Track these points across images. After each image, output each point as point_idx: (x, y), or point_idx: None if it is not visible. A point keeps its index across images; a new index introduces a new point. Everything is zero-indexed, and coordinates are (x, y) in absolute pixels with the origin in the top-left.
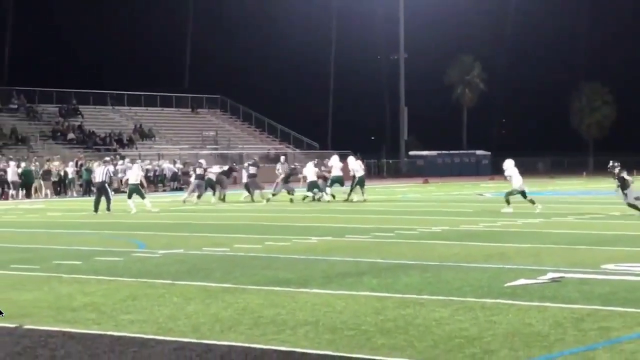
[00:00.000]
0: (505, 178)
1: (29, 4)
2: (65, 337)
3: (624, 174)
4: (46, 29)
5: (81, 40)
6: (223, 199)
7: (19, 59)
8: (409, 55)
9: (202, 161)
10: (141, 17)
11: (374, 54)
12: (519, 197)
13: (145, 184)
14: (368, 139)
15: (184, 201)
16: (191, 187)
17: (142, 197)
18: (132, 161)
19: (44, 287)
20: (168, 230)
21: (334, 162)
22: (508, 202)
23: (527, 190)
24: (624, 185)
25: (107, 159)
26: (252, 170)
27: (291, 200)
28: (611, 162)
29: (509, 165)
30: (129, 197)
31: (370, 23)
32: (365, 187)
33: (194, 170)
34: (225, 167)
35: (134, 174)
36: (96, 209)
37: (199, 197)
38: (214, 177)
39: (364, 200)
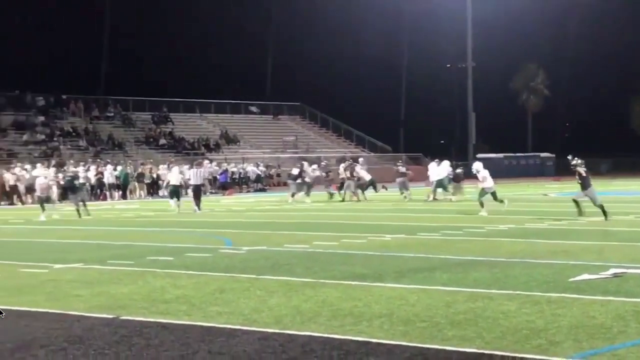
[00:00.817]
0: (479, 180)
1: (124, 19)
2: (158, 327)
3: (583, 171)
4: (139, 43)
5: (171, 53)
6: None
7: (114, 71)
8: (477, 64)
9: (305, 163)
10: (226, 31)
11: (443, 62)
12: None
13: (185, 187)
14: (438, 143)
15: (295, 201)
16: (291, 187)
17: (178, 197)
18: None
19: (139, 281)
20: (252, 229)
21: (444, 166)
22: (482, 204)
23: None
24: (584, 182)
25: (206, 162)
26: (402, 169)
27: (363, 199)
28: (572, 157)
29: (479, 166)
30: (171, 197)
31: (440, 33)
32: (446, 189)
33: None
34: (322, 170)
35: (175, 176)
36: (198, 207)
37: (292, 195)
38: (309, 179)
39: (434, 199)
